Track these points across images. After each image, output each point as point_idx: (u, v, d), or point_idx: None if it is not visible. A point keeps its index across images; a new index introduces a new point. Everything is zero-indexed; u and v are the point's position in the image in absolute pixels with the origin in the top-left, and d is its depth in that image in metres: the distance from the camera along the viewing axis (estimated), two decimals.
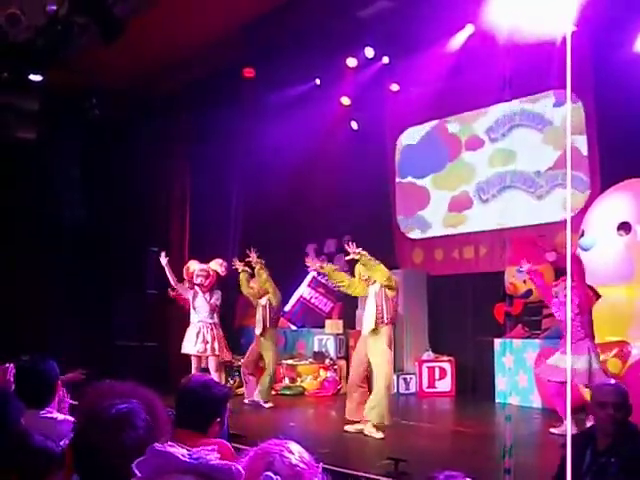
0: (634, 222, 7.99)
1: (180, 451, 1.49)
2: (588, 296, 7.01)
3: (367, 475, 5.53)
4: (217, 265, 9.19)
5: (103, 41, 7.77)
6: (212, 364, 8.86)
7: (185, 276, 9.11)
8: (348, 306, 11.99)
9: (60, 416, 3.74)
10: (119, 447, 2.12)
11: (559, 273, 9.08)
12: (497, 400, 9.53)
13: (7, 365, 4.43)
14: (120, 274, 9.96)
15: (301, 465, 2.11)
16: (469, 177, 11.33)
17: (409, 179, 12.17)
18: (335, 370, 11.01)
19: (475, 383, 10.26)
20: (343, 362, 11.17)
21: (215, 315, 9.00)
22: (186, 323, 8.99)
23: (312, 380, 10.85)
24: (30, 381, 3.92)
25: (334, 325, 11.68)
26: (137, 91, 10.51)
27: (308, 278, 12.14)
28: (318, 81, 11.56)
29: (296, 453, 2.18)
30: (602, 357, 7.29)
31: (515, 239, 10.14)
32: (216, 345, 8.84)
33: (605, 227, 8.24)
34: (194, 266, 9.14)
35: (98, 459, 2.10)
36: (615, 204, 8.37)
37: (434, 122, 11.84)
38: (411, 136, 12.23)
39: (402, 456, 5.66)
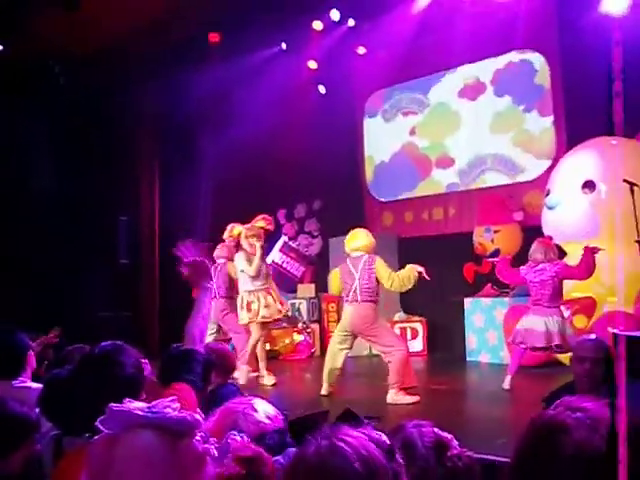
0: (598, 180, 8.10)
1: (138, 406, 1.56)
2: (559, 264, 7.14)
3: None
4: (263, 222, 8.83)
5: (65, 8, 7.65)
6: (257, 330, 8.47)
7: (229, 242, 8.85)
8: (320, 270, 12.08)
9: (34, 385, 3.79)
10: (109, 382, 2.19)
11: (526, 233, 9.27)
12: (468, 358, 9.72)
13: None
14: (91, 244, 9.91)
15: (265, 421, 2.18)
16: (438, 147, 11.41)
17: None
18: (308, 333, 11.13)
19: (446, 342, 10.43)
20: (316, 325, 11.30)
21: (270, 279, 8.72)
22: (163, 292, 8.93)
23: (286, 344, 10.96)
24: (2, 352, 3.97)
25: (306, 289, 11.79)
26: (103, 59, 10.36)
27: (279, 243, 12.19)
28: (284, 45, 11.49)
29: (260, 410, 2.26)
30: (567, 313, 7.49)
31: (483, 200, 10.26)
32: (279, 306, 8.58)
33: (570, 186, 8.35)
34: (238, 229, 8.74)
35: (82, 398, 2.15)
36: (580, 163, 8.47)
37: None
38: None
39: (377, 414, 5.78)
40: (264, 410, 2.32)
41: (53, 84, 9.99)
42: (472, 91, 10.96)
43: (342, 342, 7.58)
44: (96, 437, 1.54)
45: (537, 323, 6.99)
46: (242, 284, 8.60)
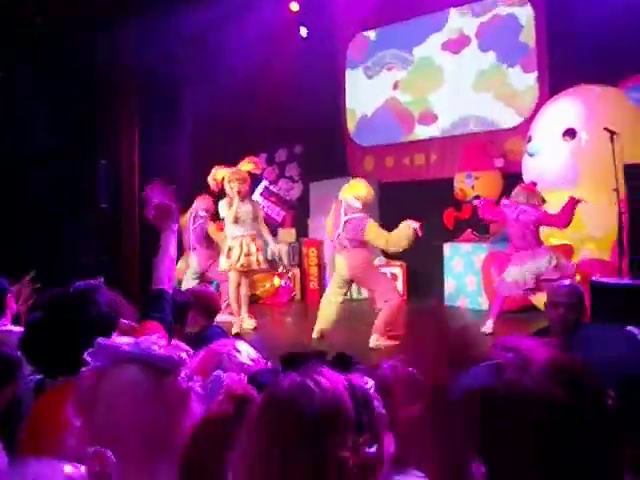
0: (579, 128, 8.13)
1: (125, 342, 1.59)
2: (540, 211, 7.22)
3: None
4: (249, 164, 8.45)
5: None
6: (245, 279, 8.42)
7: (213, 187, 8.47)
8: (301, 214, 12.11)
9: (15, 328, 3.81)
10: (83, 322, 2.20)
11: (507, 180, 9.32)
12: (447, 303, 9.85)
13: None
14: (70, 189, 9.81)
15: (249, 362, 2.23)
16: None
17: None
18: (289, 278, 11.20)
19: (426, 287, 10.53)
20: (296, 270, 11.36)
21: (256, 225, 8.47)
22: (143, 237, 8.89)
23: (267, 288, 11.03)
24: None
25: (287, 234, 11.82)
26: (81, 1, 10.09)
27: (260, 188, 12.17)
28: None
29: (244, 351, 2.30)
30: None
31: (465, 146, 10.27)
32: (260, 257, 8.36)
33: (551, 133, 8.37)
34: (222, 172, 8.35)
35: (61, 336, 2.18)
36: (562, 110, 8.48)
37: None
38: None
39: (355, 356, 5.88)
40: (247, 352, 2.36)
41: (35, 34, 9.73)
42: (456, 44, 10.86)
43: (337, 293, 7.65)
44: (84, 369, 1.57)
45: (520, 273, 7.13)
46: (227, 230, 8.39)
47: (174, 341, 2.36)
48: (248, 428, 1.26)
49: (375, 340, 7.12)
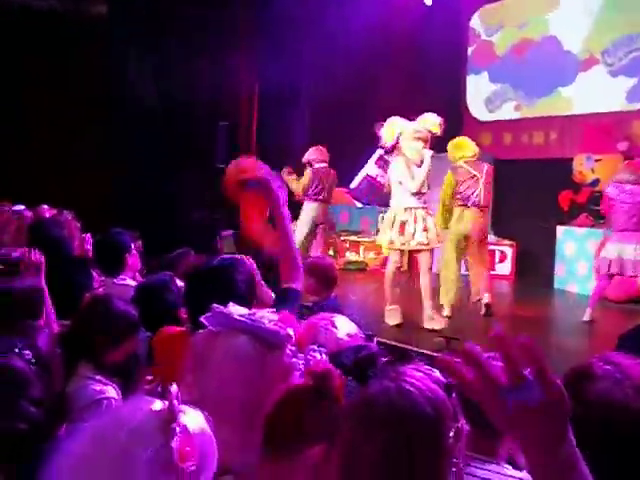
0: None
1: (239, 311, 1.70)
2: None
3: (418, 349, 5.79)
4: (434, 122, 7.12)
5: None
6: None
7: (385, 143, 7.28)
8: None
9: (132, 283, 4.06)
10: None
11: None
12: (555, 286, 9.66)
13: (85, 235, 4.79)
14: (190, 149, 10.17)
15: (345, 338, 2.30)
16: None
17: None
18: None
19: (535, 268, 10.34)
20: None
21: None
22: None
23: (374, 256, 11.13)
24: (105, 251, 4.26)
25: None
26: None
27: (375, 156, 12.18)
28: None
29: (341, 327, 2.37)
30: None
31: (587, 126, 9.94)
32: (438, 230, 7.15)
33: None
34: (400, 124, 7.09)
35: None
36: None
37: None
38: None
39: (456, 335, 5.91)
40: (344, 327, 2.40)
41: None
42: None
43: (458, 250, 7.54)
44: (200, 331, 1.71)
45: (625, 250, 6.88)
46: (397, 197, 7.19)
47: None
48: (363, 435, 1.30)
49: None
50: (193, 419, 1.21)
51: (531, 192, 10.45)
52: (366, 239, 11.33)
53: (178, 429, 1.14)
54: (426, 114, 7.19)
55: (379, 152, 12.31)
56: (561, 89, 10.71)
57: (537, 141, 11.04)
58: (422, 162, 6.99)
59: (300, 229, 8.55)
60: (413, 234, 6.90)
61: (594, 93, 10.17)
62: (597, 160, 9.43)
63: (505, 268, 10.48)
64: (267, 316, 1.72)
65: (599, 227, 9.25)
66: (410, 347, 5.87)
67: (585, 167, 9.53)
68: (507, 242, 10.55)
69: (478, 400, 0.95)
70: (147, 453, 1.12)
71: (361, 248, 11.10)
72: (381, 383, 1.32)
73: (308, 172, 8.79)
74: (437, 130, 7.12)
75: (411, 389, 1.29)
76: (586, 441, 1.16)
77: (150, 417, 1.16)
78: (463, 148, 7.57)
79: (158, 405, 1.19)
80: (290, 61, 10.83)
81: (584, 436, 1.17)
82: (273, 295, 2.84)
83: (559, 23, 10.76)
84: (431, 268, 7.01)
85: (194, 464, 1.15)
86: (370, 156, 12.02)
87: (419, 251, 6.99)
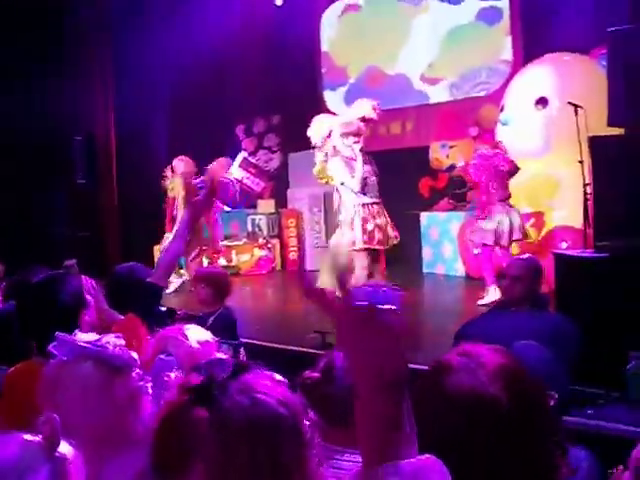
0: (551, 97, 8.20)
1: (84, 338, 1.71)
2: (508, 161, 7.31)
3: (294, 348, 5.85)
4: (366, 108, 7.04)
5: None
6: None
7: (317, 142, 7.11)
8: (280, 185, 12.16)
9: None
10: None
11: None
12: (424, 270, 10.00)
13: None
14: (47, 165, 9.81)
15: (196, 346, 2.33)
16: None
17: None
18: (269, 249, 11.30)
19: (404, 255, 10.64)
20: (276, 241, 11.46)
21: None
22: (124, 212, 8.86)
23: (247, 259, 11.14)
24: None
25: (266, 205, 11.88)
26: None
27: (239, 159, 12.14)
28: None
29: (191, 336, 2.39)
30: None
31: (440, 114, 10.34)
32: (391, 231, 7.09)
33: (524, 102, 8.44)
34: (329, 121, 7.02)
35: None
36: (534, 79, 8.54)
37: None
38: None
39: (330, 329, 5.98)
40: (196, 336, 2.44)
41: None
42: None
43: None
44: (52, 360, 1.71)
45: (490, 224, 7.17)
46: (345, 197, 6.97)
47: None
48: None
49: None
50: (65, 447, 1.21)
51: (393, 181, 10.73)
52: (237, 243, 11.31)
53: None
54: (358, 101, 7.13)
55: (243, 154, 12.31)
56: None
57: (394, 132, 11.36)
58: (357, 157, 6.84)
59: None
60: (379, 230, 6.82)
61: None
62: (451, 147, 9.84)
63: None
64: (112, 341, 1.73)
65: (460, 210, 9.65)
66: (288, 347, 5.93)
67: (441, 154, 9.93)
68: None
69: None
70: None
71: (233, 253, 11.05)
72: (231, 398, 1.31)
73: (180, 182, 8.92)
74: (373, 114, 7.02)
75: (262, 397, 1.30)
76: (453, 433, 1.23)
77: (27, 449, 1.16)
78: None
79: (29, 437, 1.17)
80: (146, 65, 10.64)
81: (450, 428, 1.23)
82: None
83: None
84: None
85: None
86: (234, 158, 12.00)
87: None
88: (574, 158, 6.62)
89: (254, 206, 11.92)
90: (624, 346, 4.07)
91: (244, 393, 1.31)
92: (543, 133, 8.04)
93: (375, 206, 6.90)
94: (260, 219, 11.68)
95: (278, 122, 12.56)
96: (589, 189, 5.57)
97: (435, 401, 1.27)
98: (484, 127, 9.89)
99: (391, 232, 7.08)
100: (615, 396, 3.83)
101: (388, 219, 7.10)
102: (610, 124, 5.49)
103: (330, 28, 12.21)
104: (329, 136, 6.90)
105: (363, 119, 6.94)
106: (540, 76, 8.45)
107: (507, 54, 9.98)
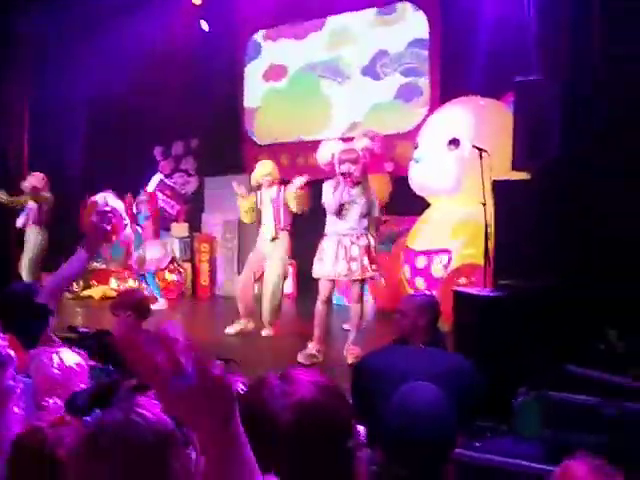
0: (464, 138, 8.43)
1: None
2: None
3: None
4: (365, 140, 7.08)
5: None
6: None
7: (323, 165, 7.13)
8: (195, 209, 12.09)
9: None
10: None
11: (396, 183, 9.61)
12: (335, 302, 10.05)
13: None
14: None
15: (57, 372, 2.31)
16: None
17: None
18: (180, 273, 11.17)
19: (314, 285, 10.68)
20: (188, 265, 11.35)
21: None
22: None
23: (157, 283, 10.96)
24: None
25: (180, 228, 11.77)
26: None
27: (154, 181, 12.06)
28: None
29: (60, 360, 2.37)
30: (424, 263, 7.97)
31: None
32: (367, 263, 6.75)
33: (437, 141, 8.66)
34: (332, 146, 6.97)
35: None
36: (448, 119, 8.78)
37: None
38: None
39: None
40: (60, 361, 2.42)
41: None
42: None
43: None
44: None
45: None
46: (330, 222, 7.00)
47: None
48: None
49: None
50: None
51: (308, 211, 10.81)
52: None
53: None
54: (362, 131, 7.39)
55: (159, 176, 12.23)
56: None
57: (312, 162, 11.45)
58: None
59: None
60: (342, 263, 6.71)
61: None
62: None
63: (287, 287, 10.73)
64: None
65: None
66: None
67: None
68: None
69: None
70: None
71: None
72: (111, 414, 1.33)
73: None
74: (368, 146, 7.03)
75: (138, 419, 1.30)
76: (279, 449, 1.26)
77: None
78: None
79: None
80: (64, 82, 10.46)
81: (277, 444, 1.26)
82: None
83: None
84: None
85: None
86: (149, 178, 11.91)
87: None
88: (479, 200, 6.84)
89: (167, 229, 11.79)
90: (515, 381, 4.20)
91: (124, 411, 1.33)
92: (454, 173, 8.24)
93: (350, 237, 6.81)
94: (173, 242, 11.55)
95: (196, 146, 12.51)
96: (490, 230, 5.76)
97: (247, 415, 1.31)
98: (400, 163, 10.13)
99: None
100: (503, 429, 3.93)
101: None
102: (514, 168, 5.73)
103: (253, 90, 12.44)
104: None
105: (366, 149, 6.94)
106: (454, 117, 8.69)
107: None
